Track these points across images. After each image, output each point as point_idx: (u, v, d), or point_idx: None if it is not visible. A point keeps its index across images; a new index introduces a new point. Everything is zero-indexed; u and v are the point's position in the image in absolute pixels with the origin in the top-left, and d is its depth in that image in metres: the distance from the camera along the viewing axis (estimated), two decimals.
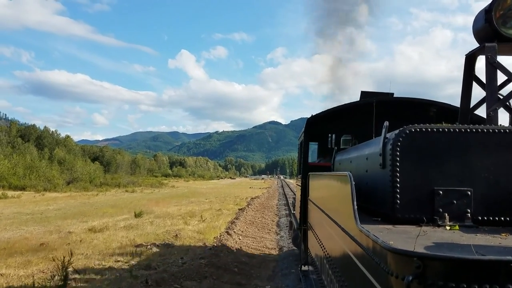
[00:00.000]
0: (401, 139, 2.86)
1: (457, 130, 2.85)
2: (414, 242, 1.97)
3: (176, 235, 13.43)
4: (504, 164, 2.80)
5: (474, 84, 3.99)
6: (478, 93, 3.94)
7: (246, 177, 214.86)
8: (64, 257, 7.70)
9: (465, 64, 3.96)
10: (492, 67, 3.58)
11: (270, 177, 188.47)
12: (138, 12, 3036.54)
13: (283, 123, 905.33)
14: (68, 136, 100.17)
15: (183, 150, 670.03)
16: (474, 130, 2.84)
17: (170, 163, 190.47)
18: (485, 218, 2.78)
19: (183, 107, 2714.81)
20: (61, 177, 53.93)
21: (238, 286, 8.34)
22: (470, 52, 3.88)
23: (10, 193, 35.31)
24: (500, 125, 3.38)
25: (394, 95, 7.32)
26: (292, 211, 10.81)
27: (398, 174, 2.84)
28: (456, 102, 4.23)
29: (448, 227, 2.66)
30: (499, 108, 3.64)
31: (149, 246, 11.49)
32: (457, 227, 2.67)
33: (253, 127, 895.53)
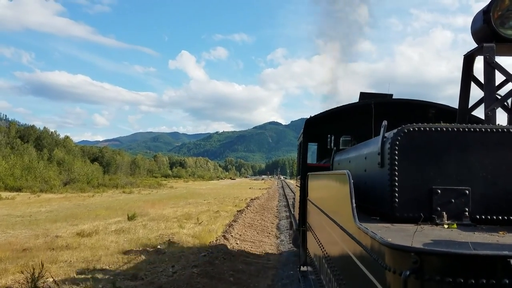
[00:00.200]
0: (399, 138, 2.85)
1: (456, 129, 2.84)
2: (411, 239, 1.95)
3: (169, 240, 12.59)
4: (502, 163, 2.80)
5: (473, 85, 4.00)
6: (476, 94, 3.95)
7: (246, 177, 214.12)
8: (34, 269, 6.83)
9: (464, 65, 3.95)
10: (490, 67, 3.57)
11: (270, 177, 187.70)
12: (139, 13, 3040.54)
13: (283, 123, 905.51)
14: (67, 137, 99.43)
15: (184, 151, 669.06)
16: (472, 129, 2.83)
17: (170, 163, 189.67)
18: (483, 217, 2.77)
19: (183, 107, 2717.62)
20: (58, 178, 53.16)
21: None
22: (468, 52, 3.87)
23: (5, 194, 34.55)
24: (498, 124, 3.33)
25: (394, 96, 7.29)
26: (292, 212, 10.75)
27: (396, 173, 2.83)
28: (456, 103, 4.18)
29: (446, 226, 2.65)
30: (497, 108, 3.62)
31: (138, 253, 10.65)
32: (455, 225, 2.66)
33: (253, 128, 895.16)
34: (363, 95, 7.33)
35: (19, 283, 7.77)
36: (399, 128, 2.91)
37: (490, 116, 3.56)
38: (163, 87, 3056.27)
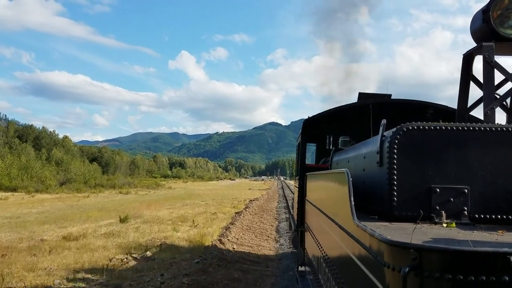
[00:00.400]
0: (398, 136, 2.85)
1: (455, 128, 2.84)
2: (410, 236, 1.92)
3: (161, 244, 11.75)
4: (501, 163, 2.78)
5: (472, 85, 3.97)
6: (476, 94, 3.95)
7: (246, 178, 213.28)
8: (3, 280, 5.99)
9: (463, 64, 3.94)
10: (490, 66, 3.56)
11: (270, 178, 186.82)
12: (139, 13, 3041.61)
13: (283, 124, 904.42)
14: (66, 137, 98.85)
15: (183, 151, 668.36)
16: (471, 128, 2.83)
17: (170, 164, 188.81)
18: (482, 216, 2.76)
19: (183, 108, 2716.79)
20: (55, 178, 52.29)
21: None
22: (467, 51, 3.87)
23: None
24: (498, 123, 3.25)
25: (394, 97, 7.27)
26: (291, 213, 10.84)
27: (395, 172, 2.83)
28: (456, 104, 4.13)
29: (445, 225, 2.64)
30: (496, 108, 3.59)
31: (125, 259, 9.81)
32: (454, 224, 2.65)
33: (253, 128, 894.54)
34: (361, 95, 7.24)
35: None
36: (398, 126, 2.88)
37: (489, 115, 3.52)
38: (163, 87, 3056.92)
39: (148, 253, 10.74)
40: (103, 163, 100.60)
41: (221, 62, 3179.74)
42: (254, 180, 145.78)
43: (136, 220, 17.80)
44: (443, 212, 2.73)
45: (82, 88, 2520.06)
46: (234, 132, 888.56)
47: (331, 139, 6.76)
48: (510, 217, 2.76)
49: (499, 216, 2.76)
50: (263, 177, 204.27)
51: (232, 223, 17.63)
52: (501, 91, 3.80)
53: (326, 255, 3.85)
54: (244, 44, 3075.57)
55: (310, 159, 8.74)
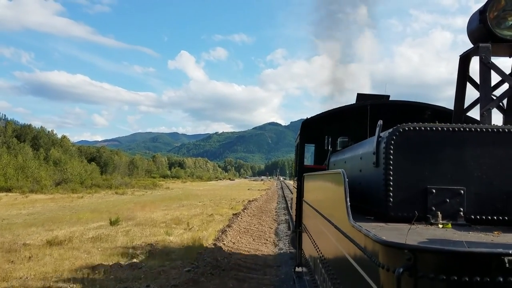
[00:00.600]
0: (394, 137, 2.84)
1: (451, 129, 2.83)
2: (405, 237, 1.92)
3: (150, 250, 10.89)
4: (497, 163, 2.77)
5: (469, 86, 3.99)
6: (473, 95, 3.84)
7: (245, 178, 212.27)
8: None
9: (459, 65, 3.94)
10: (486, 67, 3.55)
11: (270, 178, 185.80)
12: (138, 13, 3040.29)
13: (283, 124, 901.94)
14: (64, 136, 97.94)
15: (183, 151, 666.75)
16: (467, 129, 2.82)
17: (169, 164, 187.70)
18: (478, 217, 2.75)
19: (183, 108, 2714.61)
20: (51, 178, 51.40)
21: None
22: (464, 52, 3.87)
23: None
24: (494, 124, 3.31)
25: (393, 98, 7.27)
26: (291, 213, 10.81)
27: (391, 173, 2.82)
28: None
29: (440, 226, 2.63)
30: (492, 109, 3.57)
31: (110, 267, 8.96)
32: (449, 225, 2.63)
33: (252, 128, 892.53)
34: (360, 96, 7.20)
35: None
36: (394, 127, 2.88)
37: (486, 116, 3.50)
38: (163, 87, 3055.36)
39: (136, 260, 9.90)
40: (101, 163, 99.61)
41: (220, 62, 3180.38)
42: (254, 180, 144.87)
43: (128, 222, 16.95)
44: (439, 213, 2.71)
45: (82, 88, 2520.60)
46: (234, 132, 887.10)
47: (329, 140, 6.67)
48: (506, 218, 2.74)
49: (495, 217, 2.74)
50: (262, 177, 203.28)
51: (229, 226, 16.80)
52: (498, 92, 3.77)
53: (322, 255, 3.82)
54: (243, 44, 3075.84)
55: (309, 160, 8.67)
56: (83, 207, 25.00)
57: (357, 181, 3.72)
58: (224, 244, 12.65)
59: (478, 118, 3.66)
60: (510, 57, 3.81)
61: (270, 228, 17.92)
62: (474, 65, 3.82)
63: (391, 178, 2.79)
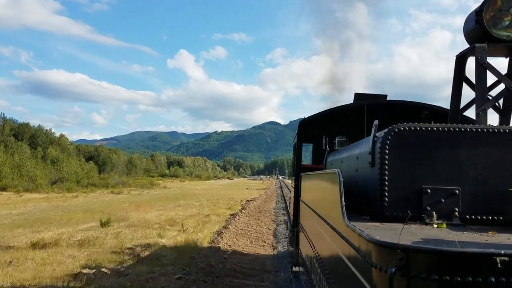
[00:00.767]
0: (390, 137, 2.84)
1: (446, 129, 2.83)
2: (398, 236, 1.95)
3: (139, 254, 10.20)
4: (492, 164, 2.78)
5: (465, 86, 3.97)
6: (471, 95, 3.82)
7: (245, 177, 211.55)
8: None
9: (456, 65, 3.94)
10: (482, 67, 3.56)
11: (269, 177, 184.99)
12: (138, 12, 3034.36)
13: (282, 123, 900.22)
14: (62, 135, 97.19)
15: (182, 150, 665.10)
16: (463, 129, 2.83)
17: (168, 163, 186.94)
18: (473, 217, 2.76)
19: (182, 107, 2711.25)
20: (46, 177, 50.61)
21: None
22: (460, 53, 3.87)
23: None
24: (489, 125, 3.28)
25: (392, 98, 7.27)
26: (289, 211, 10.83)
27: (386, 172, 2.82)
28: None
29: (435, 226, 2.63)
30: (488, 109, 3.58)
31: (93, 275, 8.25)
32: (444, 225, 2.62)
33: (252, 128, 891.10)
34: (357, 95, 7.20)
35: None
36: (390, 127, 2.88)
37: (481, 116, 3.51)
38: (162, 86, 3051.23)
39: (124, 266, 9.20)
40: (99, 162, 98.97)
41: (220, 61, 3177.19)
42: (253, 180, 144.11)
43: (120, 223, 16.23)
44: (434, 212, 2.70)
45: (81, 86, 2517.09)
46: (233, 131, 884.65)
47: (327, 139, 6.64)
48: (501, 218, 2.74)
49: (490, 217, 2.74)
50: (261, 176, 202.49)
51: (225, 227, 16.11)
52: (495, 92, 3.75)
53: (318, 255, 3.82)
54: (243, 43, 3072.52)
55: (308, 159, 8.66)
56: (76, 207, 24.28)
57: (354, 181, 3.72)
58: (219, 247, 11.98)
59: (474, 117, 3.65)
60: (506, 58, 3.81)
61: (268, 229, 17.26)
62: (471, 65, 3.78)
63: (387, 178, 2.80)
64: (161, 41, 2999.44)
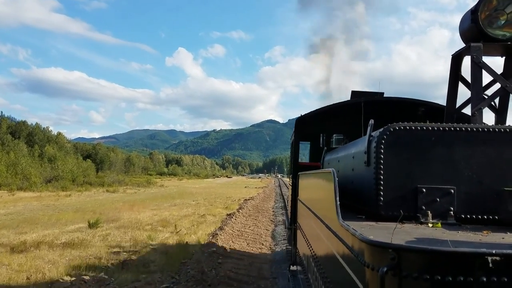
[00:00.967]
0: (385, 136, 2.85)
1: (441, 128, 2.84)
2: (391, 236, 1.91)
3: (125, 259, 9.40)
4: (487, 163, 2.78)
5: (461, 85, 3.96)
6: (468, 94, 3.90)
7: (243, 175, 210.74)
8: None
9: (451, 64, 3.94)
10: (478, 67, 3.57)
11: (267, 175, 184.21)
12: (136, 9, 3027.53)
13: (281, 121, 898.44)
14: (59, 133, 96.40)
15: (181, 149, 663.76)
16: (458, 128, 2.84)
17: (166, 161, 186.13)
18: (468, 216, 2.75)
19: (180, 105, 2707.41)
20: (41, 175, 49.74)
21: None
22: (456, 52, 3.87)
23: None
24: (484, 124, 3.33)
25: (391, 95, 7.23)
26: (287, 209, 10.80)
27: (382, 172, 2.83)
28: None
29: (430, 225, 2.62)
30: (483, 108, 3.59)
31: (71, 284, 7.45)
32: (439, 224, 2.62)
33: (251, 126, 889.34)
34: (354, 93, 7.17)
35: None
36: (385, 127, 2.89)
37: (477, 115, 3.52)
38: (160, 84, 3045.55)
39: (108, 273, 8.39)
40: (97, 160, 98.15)
41: (218, 59, 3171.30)
42: (251, 178, 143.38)
43: (110, 224, 15.42)
44: (429, 212, 2.69)
45: (79, 84, 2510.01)
46: (232, 129, 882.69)
47: (324, 138, 6.64)
48: (496, 217, 2.73)
49: (485, 217, 2.74)
50: (260, 174, 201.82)
51: (221, 228, 15.33)
52: (490, 91, 3.77)
53: (314, 254, 3.81)
54: (241, 41, 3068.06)
55: (306, 157, 8.59)
56: (68, 206, 23.46)
57: (350, 180, 3.74)
58: (214, 250, 11.19)
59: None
60: (502, 57, 3.78)
61: (266, 230, 16.50)
62: (467, 64, 3.79)
63: (382, 177, 2.80)
64: (159, 39, 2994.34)
